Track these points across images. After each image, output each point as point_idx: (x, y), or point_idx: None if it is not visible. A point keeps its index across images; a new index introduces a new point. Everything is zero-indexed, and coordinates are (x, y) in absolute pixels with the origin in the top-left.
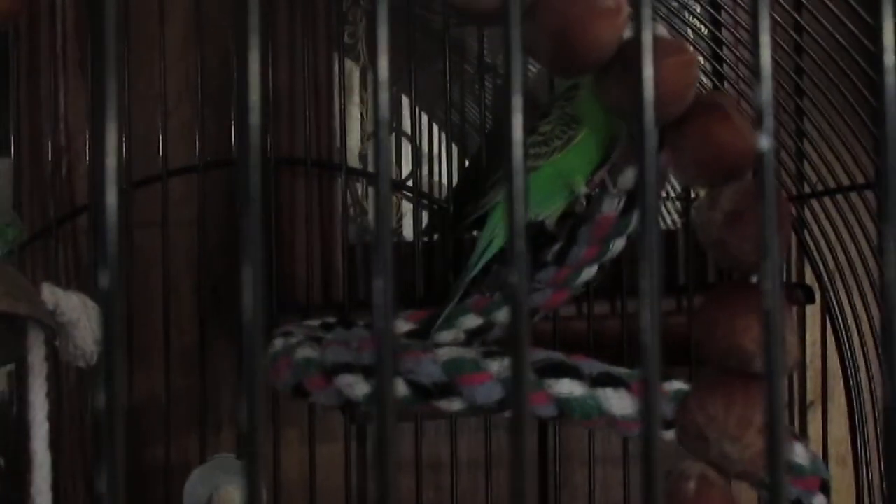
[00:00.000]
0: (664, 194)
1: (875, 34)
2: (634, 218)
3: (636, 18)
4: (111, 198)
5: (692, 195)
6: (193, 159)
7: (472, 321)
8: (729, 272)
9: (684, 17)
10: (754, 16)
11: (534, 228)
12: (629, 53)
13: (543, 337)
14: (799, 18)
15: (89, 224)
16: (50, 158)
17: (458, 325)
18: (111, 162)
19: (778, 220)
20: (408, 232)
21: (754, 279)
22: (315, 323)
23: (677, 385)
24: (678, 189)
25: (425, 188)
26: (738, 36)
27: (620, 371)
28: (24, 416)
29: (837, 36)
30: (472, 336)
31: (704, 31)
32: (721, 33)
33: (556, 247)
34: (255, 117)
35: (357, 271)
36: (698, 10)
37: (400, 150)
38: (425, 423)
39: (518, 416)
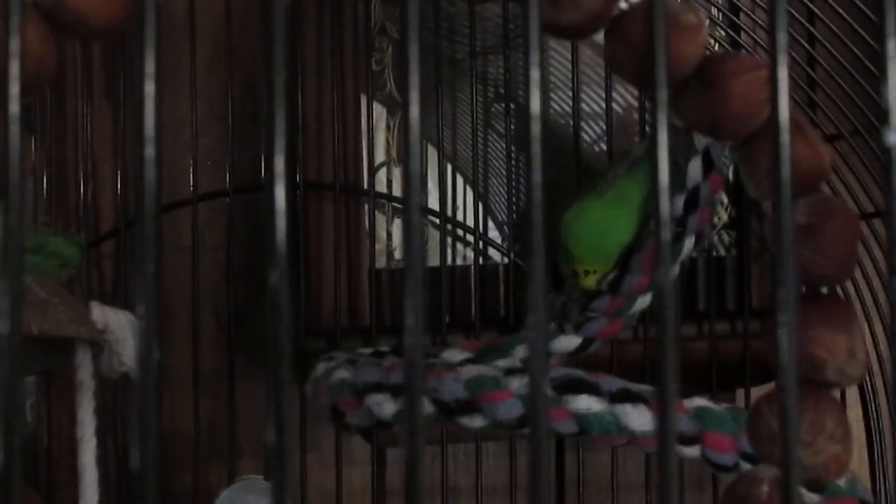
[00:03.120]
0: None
1: None
2: (686, 245)
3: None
4: (279, 193)
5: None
6: (215, 186)
7: (526, 351)
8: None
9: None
10: (881, 11)
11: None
12: (709, 69)
13: (601, 361)
14: (813, 30)
15: (116, 247)
16: (80, 185)
17: (513, 355)
18: (280, 170)
19: (848, 234)
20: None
21: (824, 290)
22: (367, 351)
23: (699, 402)
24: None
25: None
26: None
27: (640, 387)
28: (51, 442)
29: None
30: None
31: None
32: (739, 18)
33: (611, 276)
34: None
35: (383, 296)
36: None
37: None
38: (447, 448)
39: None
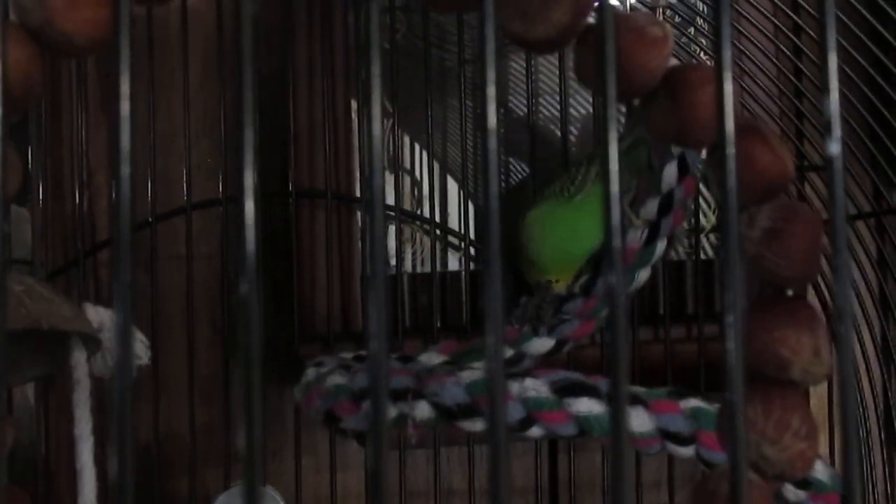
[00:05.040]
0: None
1: None
2: (658, 248)
3: (718, 36)
4: (249, 207)
5: (699, 227)
6: (208, 195)
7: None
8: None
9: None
10: (822, 27)
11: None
12: (674, 80)
13: (590, 363)
14: (799, 43)
15: (111, 257)
16: (76, 194)
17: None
18: (250, 203)
19: (812, 238)
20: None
21: (789, 292)
22: (348, 355)
23: (694, 402)
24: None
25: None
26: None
27: (638, 390)
28: (49, 449)
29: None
30: (504, 366)
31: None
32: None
33: (583, 278)
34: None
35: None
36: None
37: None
38: (440, 451)
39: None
